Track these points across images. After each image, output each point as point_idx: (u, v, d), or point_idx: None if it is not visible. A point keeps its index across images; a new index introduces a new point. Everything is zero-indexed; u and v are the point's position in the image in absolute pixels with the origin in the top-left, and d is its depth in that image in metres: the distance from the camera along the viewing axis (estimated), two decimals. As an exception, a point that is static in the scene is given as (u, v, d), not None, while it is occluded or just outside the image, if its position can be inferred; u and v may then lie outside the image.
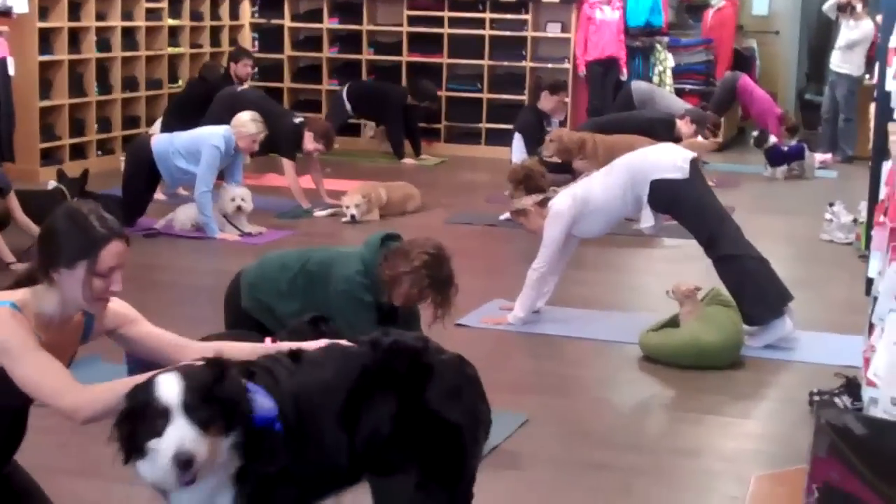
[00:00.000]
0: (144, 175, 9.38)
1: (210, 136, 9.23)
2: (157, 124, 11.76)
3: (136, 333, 3.72)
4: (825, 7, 14.69)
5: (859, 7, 14.21)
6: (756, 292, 6.69)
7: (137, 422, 3.13)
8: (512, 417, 5.44)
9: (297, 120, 10.59)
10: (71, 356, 3.70)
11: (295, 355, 3.50)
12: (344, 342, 3.65)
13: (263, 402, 3.25)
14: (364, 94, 13.45)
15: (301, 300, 5.31)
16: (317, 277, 5.33)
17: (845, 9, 14.27)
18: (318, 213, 10.22)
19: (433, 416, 3.46)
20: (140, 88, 12.72)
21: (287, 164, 10.39)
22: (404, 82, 14.11)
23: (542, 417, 5.54)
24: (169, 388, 3.13)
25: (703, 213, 6.90)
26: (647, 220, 6.99)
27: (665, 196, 6.89)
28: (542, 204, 7.10)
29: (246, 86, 11.52)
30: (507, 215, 10.12)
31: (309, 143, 10.31)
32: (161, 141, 9.38)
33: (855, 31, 14.19)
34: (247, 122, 9.32)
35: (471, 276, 8.34)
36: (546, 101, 10.40)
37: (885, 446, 2.50)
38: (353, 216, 9.91)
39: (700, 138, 11.31)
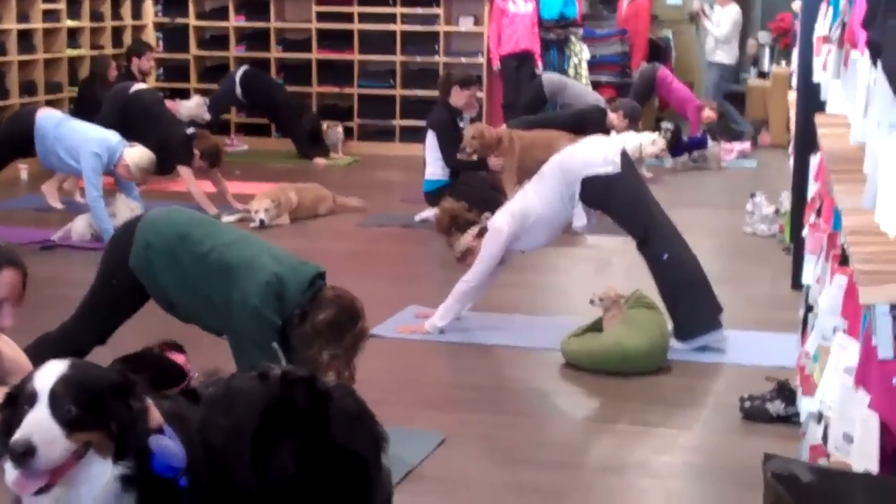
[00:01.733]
0: (17, 145, 9.10)
1: (91, 141, 8.74)
2: None
3: None
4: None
5: None
6: (690, 304, 6.43)
7: (12, 408, 2.72)
8: (429, 437, 5.11)
9: (189, 131, 10.26)
10: None
11: (191, 395, 3.15)
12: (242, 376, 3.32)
13: (173, 449, 2.85)
14: (256, 83, 13.07)
15: (197, 285, 4.71)
16: (225, 273, 4.67)
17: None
18: (226, 218, 9.77)
19: (339, 451, 3.23)
20: (39, 93, 12.20)
21: (184, 170, 10.03)
22: (314, 80, 13.79)
23: (460, 436, 5.19)
24: (47, 372, 2.72)
25: (637, 208, 6.62)
26: (580, 218, 6.69)
27: (597, 192, 6.59)
28: (482, 234, 6.80)
29: (142, 85, 11.01)
30: (422, 216, 9.84)
31: (195, 160, 9.99)
32: (48, 119, 8.92)
33: (725, 24, 14.53)
34: (137, 162, 8.83)
35: (385, 282, 8.03)
36: (457, 97, 10.06)
37: (833, 493, 2.20)
38: (261, 221, 9.52)
39: (639, 135, 11.22)
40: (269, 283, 4.62)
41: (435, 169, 9.80)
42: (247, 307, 4.61)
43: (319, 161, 12.94)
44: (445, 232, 7.00)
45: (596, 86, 14.30)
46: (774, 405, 5.39)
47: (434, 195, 9.81)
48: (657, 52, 15.36)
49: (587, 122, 10.62)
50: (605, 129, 10.47)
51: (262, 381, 3.24)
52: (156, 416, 2.85)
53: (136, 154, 8.84)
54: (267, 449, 3.13)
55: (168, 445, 2.84)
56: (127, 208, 8.79)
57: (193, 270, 4.72)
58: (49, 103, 12.17)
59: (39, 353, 5.02)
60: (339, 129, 13.45)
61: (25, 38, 12.03)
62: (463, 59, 13.70)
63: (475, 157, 9.87)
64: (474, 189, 9.79)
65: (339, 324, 4.63)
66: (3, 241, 3.22)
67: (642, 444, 5.22)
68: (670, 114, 14.71)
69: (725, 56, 14.58)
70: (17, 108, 10.89)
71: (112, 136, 8.85)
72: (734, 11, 14.51)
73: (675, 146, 12.79)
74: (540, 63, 13.48)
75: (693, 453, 5.13)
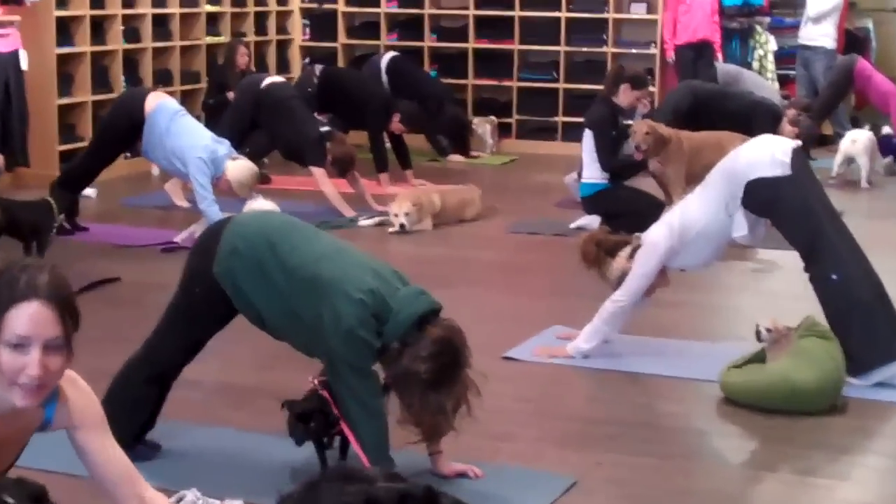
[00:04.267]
0: (121, 132, 8.84)
1: (199, 147, 8.58)
2: None
3: (89, 443, 3.14)
4: None
5: None
6: (864, 331, 5.95)
7: None
8: (556, 481, 4.80)
9: (323, 129, 10.11)
10: (18, 450, 3.16)
11: None
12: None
13: None
14: (403, 71, 12.68)
15: (286, 300, 4.42)
16: (316, 288, 4.36)
17: None
18: (364, 221, 9.66)
19: None
20: (174, 82, 12.24)
21: (317, 171, 9.89)
22: (470, 72, 13.59)
23: (593, 480, 4.86)
24: None
25: (806, 218, 6.14)
26: (740, 228, 6.26)
27: (762, 198, 6.13)
28: (634, 255, 6.45)
29: (276, 78, 10.80)
30: (578, 223, 9.52)
31: (327, 162, 9.87)
32: (162, 109, 8.65)
33: (824, 1, 13.86)
34: (239, 178, 8.64)
35: (529, 297, 7.75)
36: (625, 96, 9.65)
37: None
38: (402, 225, 9.34)
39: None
40: (364, 301, 4.29)
41: (593, 171, 9.48)
42: (340, 328, 4.29)
43: (454, 158, 12.77)
44: (594, 262, 6.64)
45: (783, 80, 13.81)
46: (965, 457, 4.95)
47: (592, 200, 9.53)
48: (855, 43, 14.72)
49: (757, 118, 10.19)
50: (774, 131, 9.96)
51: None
52: None
53: (237, 169, 8.66)
54: None
55: None
56: (269, 206, 8.56)
57: (282, 283, 4.42)
58: (185, 94, 12.26)
59: (128, 383, 4.81)
60: (487, 125, 13.22)
61: (161, 23, 12.09)
62: (634, 50, 13.39)
63: (648, 157, 9.53)
64: (637, 195, 9.46)
65: (438, 368, 4.32)
66: (44, 274, 2.94)
67: (805, 496, 4.83)
68: (869, 112, 14.05)
69: (827, 40, 13.93)
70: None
71: (220, 147, 8.70)
72: None
73: (884, 147, 12.15)
74: (720, 55, 13.07)
75: (864, 511, 4.73)
